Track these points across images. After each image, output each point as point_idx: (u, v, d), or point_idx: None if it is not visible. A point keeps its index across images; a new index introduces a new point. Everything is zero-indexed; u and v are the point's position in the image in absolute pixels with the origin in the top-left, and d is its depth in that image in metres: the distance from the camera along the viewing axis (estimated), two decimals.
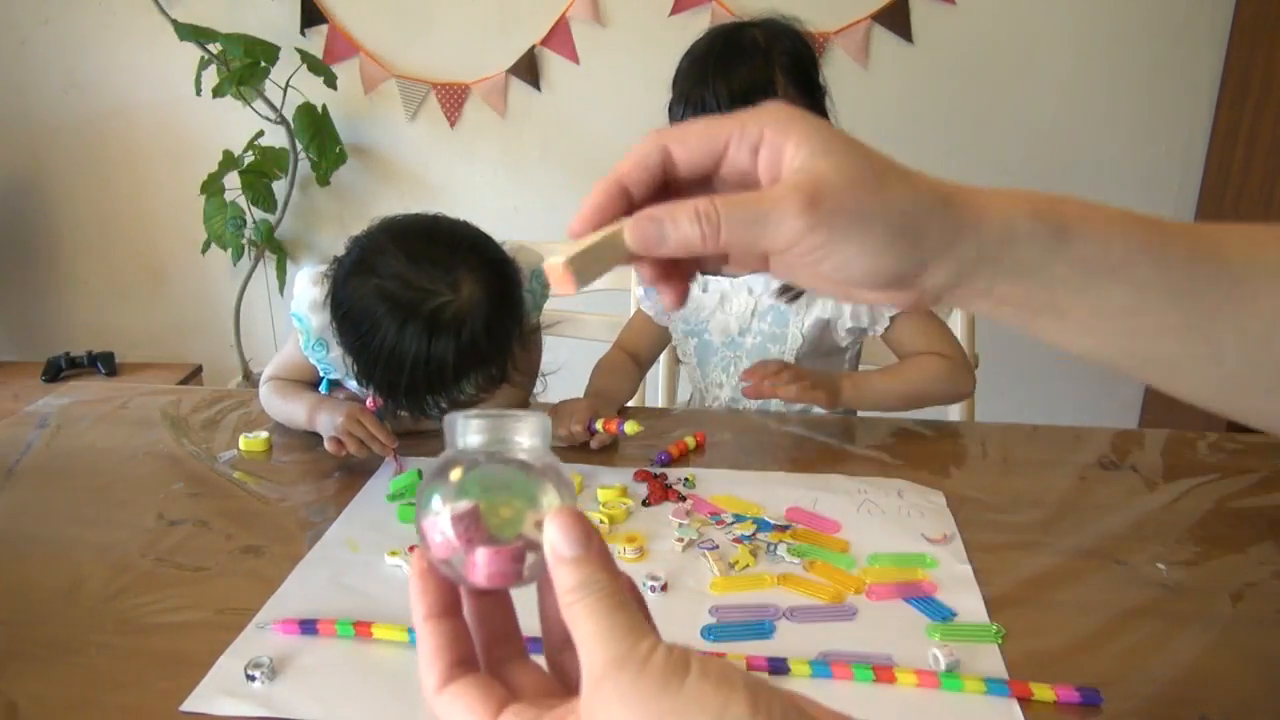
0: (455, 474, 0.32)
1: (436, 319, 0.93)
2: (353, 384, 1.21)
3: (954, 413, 1.45)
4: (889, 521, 0.94)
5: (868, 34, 2.24)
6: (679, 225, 0.35)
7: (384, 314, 0.94)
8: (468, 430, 0.33)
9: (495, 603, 0.34)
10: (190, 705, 0.68)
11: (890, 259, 0.36)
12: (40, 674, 0.72)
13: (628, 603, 0.29)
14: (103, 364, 2.46)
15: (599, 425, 1.09)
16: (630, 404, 1.46)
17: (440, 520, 0.32)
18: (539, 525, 0.31)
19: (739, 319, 1.25)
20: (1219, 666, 0.72)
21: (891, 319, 1.16)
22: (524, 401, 1.22)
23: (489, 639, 0.34)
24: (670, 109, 1.16)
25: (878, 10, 2.22)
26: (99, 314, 2.72)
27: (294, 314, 1.13)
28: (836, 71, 2.23)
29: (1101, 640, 0.75)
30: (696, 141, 0.37)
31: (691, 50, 1.16)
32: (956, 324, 1.44)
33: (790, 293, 1.20)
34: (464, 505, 0.32)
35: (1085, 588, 0.83)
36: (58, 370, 2.43)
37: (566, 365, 1.48)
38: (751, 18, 1.17)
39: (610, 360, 1.33)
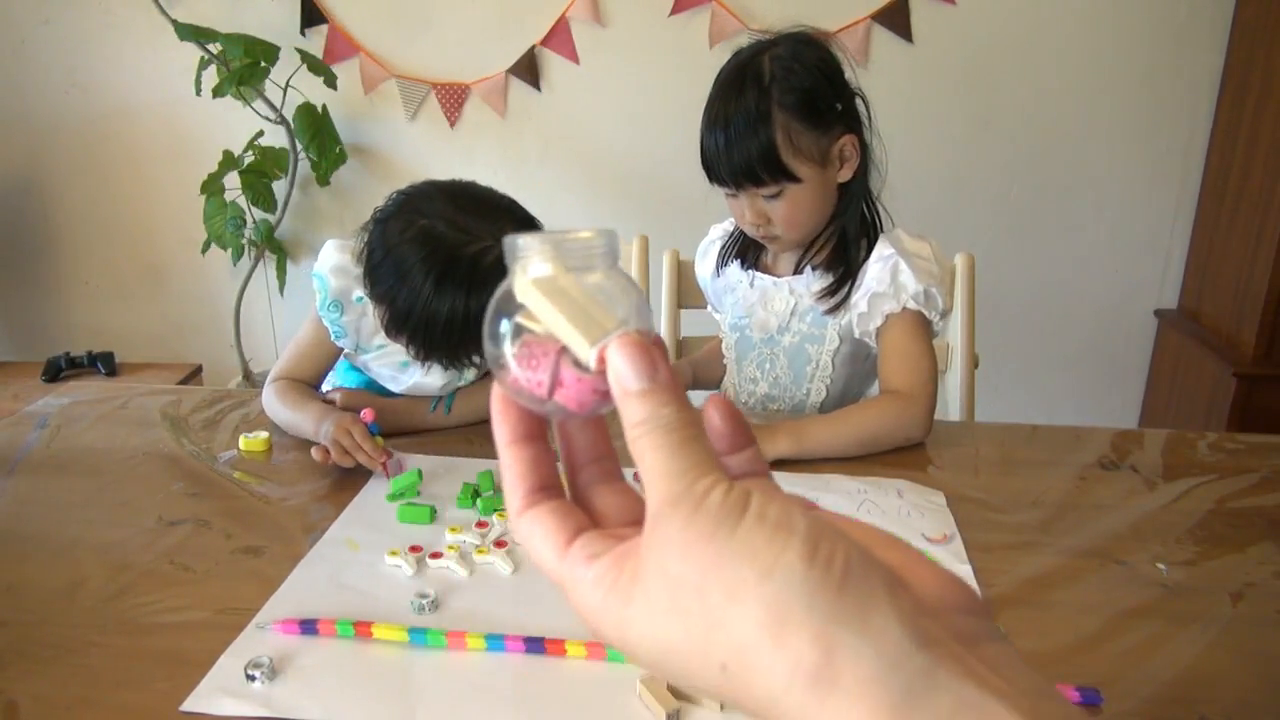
0: (526, 298, 0.30)
1: (478, 264, 0.96)
2: (364, 356, 1.22)
3: (954, 413, 1.45)
4: (889, 521, 0.94)
5: (868, 34, 2.24)
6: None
7: (425, 256, 0.97)
8: (534, 252, 0.31)
9: (583, 423, 0.33)
10: (190, 705, 0.68)
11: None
12: (40, 674, 0.72)
13: (694, 438, 0.27)
14: (103, 364, 2.46)
15: None
16: None
17: (512, 348, 0.30)
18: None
19: (779, 317, 1.25)
20: (1219, 666, 0.72)
21: (884, 319, 1.16)
22: None
23: (576, 460, 0.33)
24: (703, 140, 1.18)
25: (878, 10, 2.23)
26: (99, 314, 2.72)
27: (315, 274, 1.18)
28: None
29: (1101, 640, 0.75)
30: None
31: (715, 80, 1.17)
32: (957, 324, 1.44)
33: (831, 300, 1.20)
34: (536, 331, 0.30)
35: (1085, 588, 0.83)
36: (58, 370, 2.43)
37: None
38: (775, 35, 1.16)
39: (713, 345, 1.41)
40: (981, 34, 2.25)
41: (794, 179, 1.12)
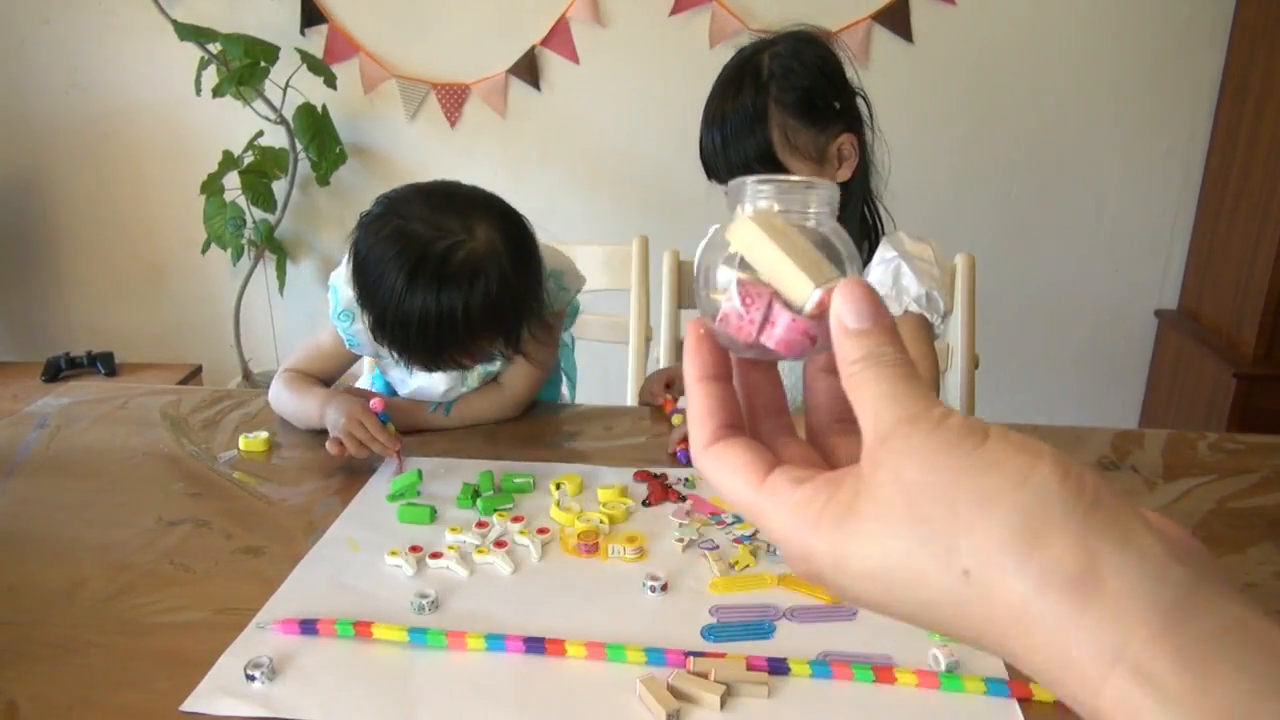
0: (747, 235, 0.30)
1: (446, 265, 0.96)
2: (384, 361, 1.22)
3: None
4: None
5: (868, 34, 2.24)
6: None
7: (397, 254, 0.97)
8: (757, 194, 0.32)
9: (765, 376, 0.33)
10: (190, 705, 0.68)
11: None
12: (40, 674, 0.72)
13: (916, 375, 0.27)
14: (103, 364, 2.46)
15: (663, 399, 1.19)
16: (630, 404, 1.47)
17: (732, 284, 0.30)
18: (828, 297, 0.29)
19: None
20: None
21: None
22: (540, 380, 1.22)
23: (758, 410, 0.33)
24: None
25: (878, 10, 2.23)
26: (99, 314, 2.72)
27: (331, 284, 1.18)
28: None
29: None
30: None
31: (717, 78, 1.18)
32: (957, 324, 1.44)
33: None
34: (751, 270, 0.30)
35: None
36: (58, 370, 2.43)
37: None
38: (776, 34, 1.16)
39: None
40: (981, 34, 2.24)
41: (784, 173, 1.12)
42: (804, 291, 0.29)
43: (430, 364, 1.05)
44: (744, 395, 0.33)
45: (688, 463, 1.06)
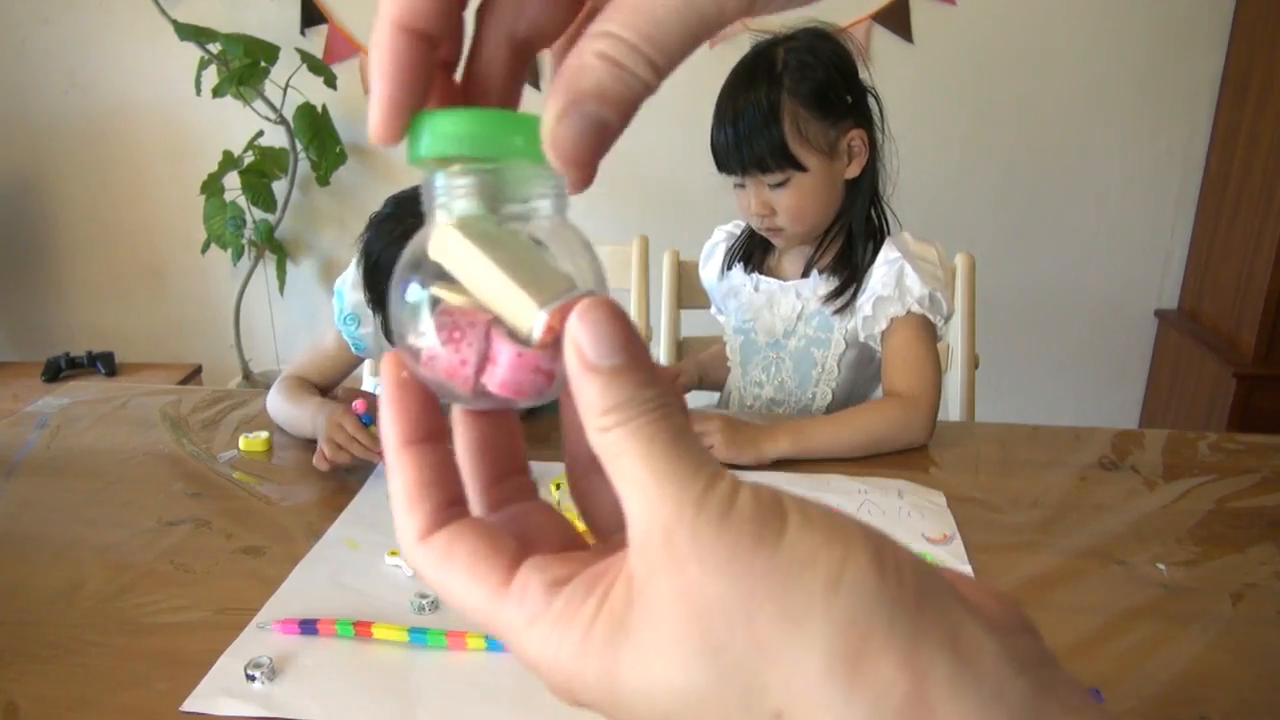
0: (449, 249, 0.23)
1: None
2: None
3: (954, 413, 1.45)
4: (889, 521, 0.94)
5: (868, 34, 2.24)
6: (614, 96, 0.22)
7: None
8: (456, 191, 0.23)
9: (498, 425, 0.26)
10: (190, 705, 0.68)
11: None
12: (40, 674, 0.72)
13: (687, 429, 0.21)
14: (103, 364, 2.46)
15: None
16: None
17: (430, 315, 0.23)
18: (561, 321, 0.22)
19: (784, 321, 1.25)
20: (1219, 666, 0.72)
21: (889, 322, 1.16)
22: None
23: (490, 474, 0.27)
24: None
25: (878, 10, 2.23)
26: (99, 314, 2.72)
27: (336, 289, 1.19)
28: None
29: (1101, 640, 0.75)
30: None
31: (732, 70, 1.19)
32: (957, 327, 1.44)
33: (837, 302, 1.20)
34: (457, 298, 0.23)
35: (1085, 588, 0.83)
36: (58, 370, 2.43)
37: None
38: (793, 30, 1.17)
39: (719, 346, 1.42)
40: (981, 34, 2.25)
41: (799, 167, 1.12)
42: (527, 315, 0.22)
43: None
44: (470, 455, 0.26)
45: None
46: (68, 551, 0.90)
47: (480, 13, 0.25)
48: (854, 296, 1.19)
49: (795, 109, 1.11)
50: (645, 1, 0.21)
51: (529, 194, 0.24)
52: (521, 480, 0.27)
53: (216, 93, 2.20)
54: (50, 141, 2.55)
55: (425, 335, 0.23)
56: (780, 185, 1.14)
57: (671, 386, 0.22)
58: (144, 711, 0.68)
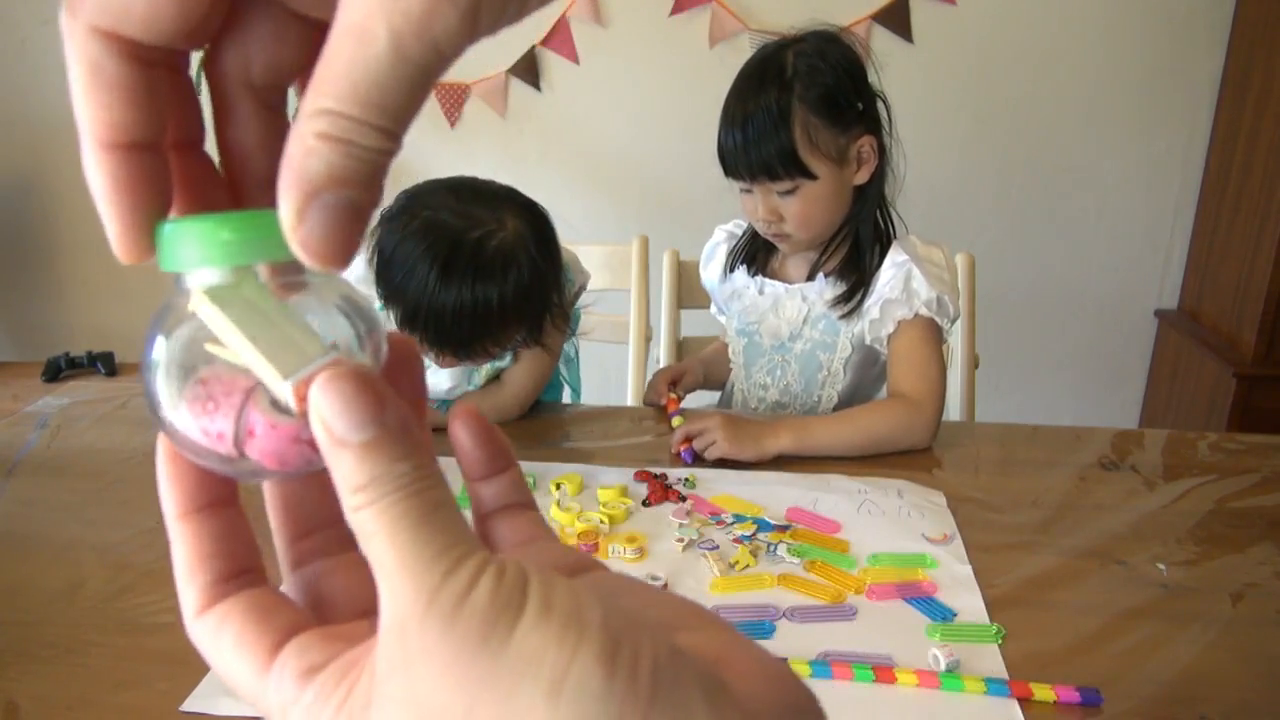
0: (197, 311, 0.22)
1: (480, 255, 0.97)
2: None
3: (954, 413, 1.45)
4: (889, 521, 0.94)
5: (868, 34, 2.24)
6: (353, 175, 0.20)
7: (429, 247, 0.99)
8: (202, 244, 0.22)
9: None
10: (190, 705, 0.68)
11: None
12: (40, 674, 0.72)
13: (443, 504, 0.20)
14: (103, 364, 2.45)
15: (667, 399, 1.21)
16: (630, 404, 1.46)
17: (177, 384, 0.22)
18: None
19: (790, 324, 1.24)
20: (1219, 666, 0.72)
21: (896, 325, 1.15)
22: (547, 372, 1.22)
23: (294, 530, 0.25)
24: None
25: (878, 10, 2.23)
26: (99, 314, 2.72)
27: None
28: None
29: (1101, 640, 0.75)
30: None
31: (739, 73, 1.17)
32: (958, 326, 1.44)
33: (845, 306, 1.19)
34: (216, 361, 0.22)
35: (1085, 588, 0.83)
36: (58, 370, 2.42)
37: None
38: (801, 32, 1.16)
39: (719, 344, 1.42)
40: (981, 34, 2.24)
41: (810, 176, 1.11)
42: (276, 385, 0.21)
43: (461, 354, 1.06)
44: (272, 510, 0.26)
45: (693, 462, 1.06)
46: (68, 551, 0.90)
47: (207, 71, 0.23)
48: (861, 301, 1.18)
49: (805, 116, 1.10)
50: (353, 67, 0.18)
51: (280, 256, 0.21)
52: (331, 534, 0.25)
53: None
54: (50, 141, 2.55)
55: (174, 404, 0.22)
56: (789, 193, 1.13)
57: (431, 458, 0.21)
58: (144, 711, 0.68)
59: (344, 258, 0.20)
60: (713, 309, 1.43)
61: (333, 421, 0.20)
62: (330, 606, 0.24)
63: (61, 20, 0.20)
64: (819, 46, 1.13)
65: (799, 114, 1.10)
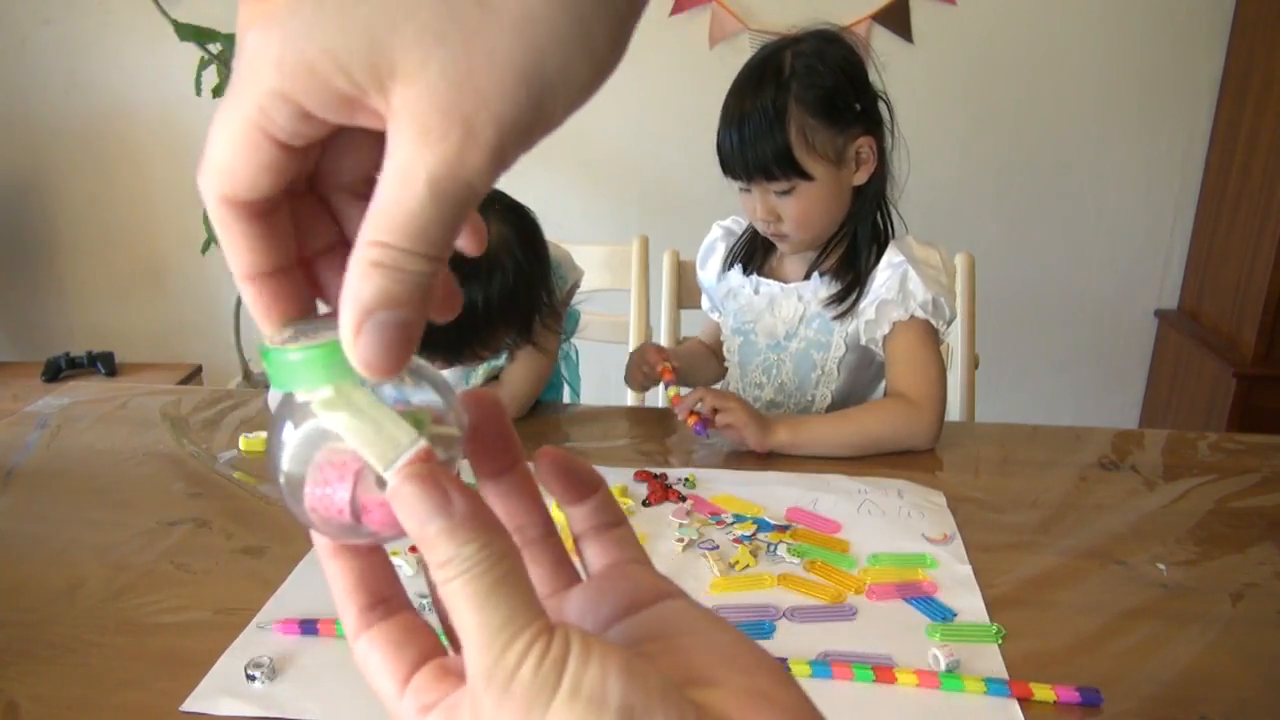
0: (316, 410, 0.25)
1: (464, 260, 0.97)
2: None
3: (954, 413, 1.45)
4: (889, 521, 0.94)
5: (868, 34, 2.24)
6: (405, 297, 0.23)
7: None
8: (306, 367, 0.25)
9: (373, 554, 0.28)
10: (190, 705, 0.68)
11: None
12: (40, 674, 0.72)
13: (505, 579, 0.23)
14: (103, 364, 2.46)
15: (662, 368, 1.20)
16: (630, 404, 1.46)
17: (302, 475, 0.25)
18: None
19: (786, 324, 1.24)
20: (1219, 666, 0.72)
21: (891, 327, 1.15)
22: (545, 372, 1.22)
23: (366, 600, 0.28)
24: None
25: (878, 10, 2.23)
26: (99, 314, 2.72)
27: None
28: None
29: (1101, 640, 0.75)
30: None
31: (739, 73, 1.17)
32: (958, 327, 1.44)
33: (839, 306, 1.19)
34: (333, 446, 0.25)
35: (1085, 588, 0.83)
36: (58, 370, 2.43)
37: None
38: (800, 32, 1.16)
39: (691, 342, 1.44)
40: (981, 34, 2.24)
41: (806, 176, 1.11)
42: (384, 473, 0.24)
43: (451, 358, 1.06)
44: (348, 587, 0.28)
45: (703, 433, 1.08)
46: (68, 551, 0.90)
47: (316, 187, 0.27)
48: (856, 301, 1.18)
49: (802, 116, 1.10)
50: (398, 203, 0.22)
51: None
52: (397, 600, 0.28)
53: (217, 93, 2.20)
54: (50, 141, 2.55)
55: (298, 479, 0.26)
56: (786, 193, 1.13)
57: (501, 535, 0.24)
58: (144, 711, 0.68)
59: (394, 369, 0.23)
60: (705, 304, 1.43)
61: (406, 521, 0.23)
62: (428, 670, 0.27)
63: (199, 183, 0.25)
64: (818, 47, 1.12)
65: (795, 115, 1.09)
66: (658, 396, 1.56)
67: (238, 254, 0.25)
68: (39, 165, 2.58)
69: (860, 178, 1.16)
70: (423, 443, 0.24)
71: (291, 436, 0.26)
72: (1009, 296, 2.38)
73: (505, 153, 0.22)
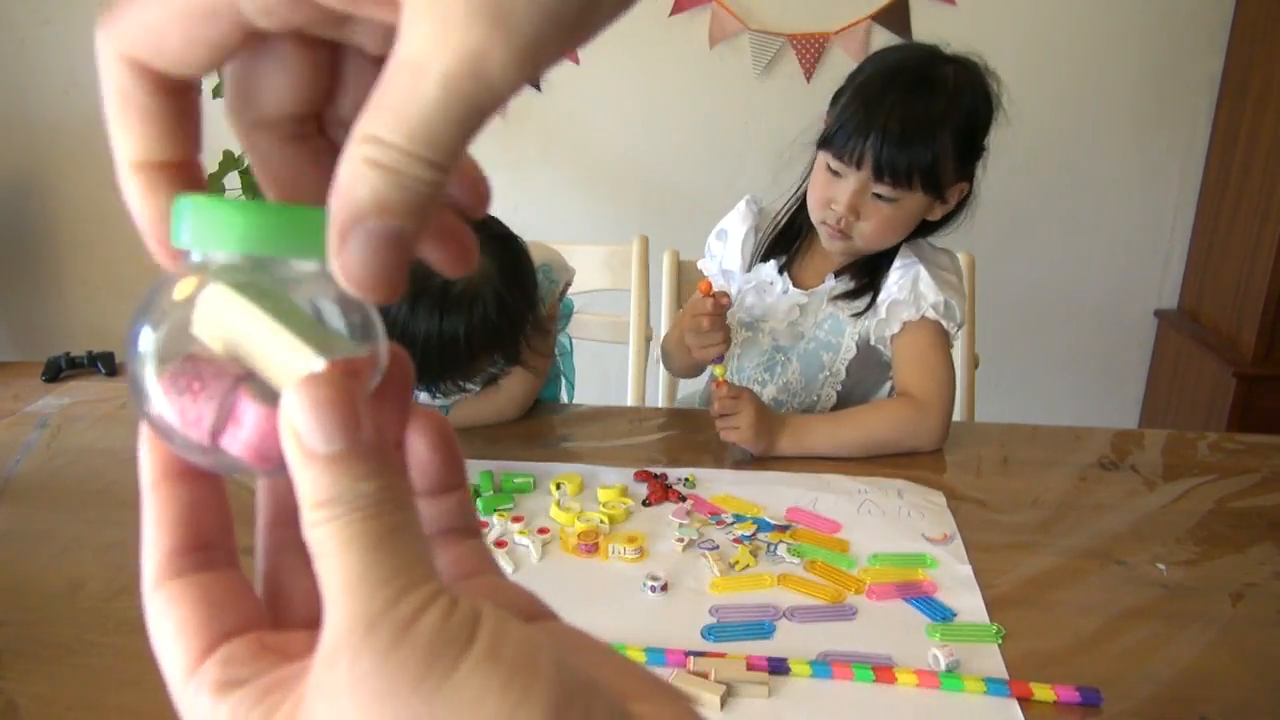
0: (186, 294, 0.21)
1: (447, 293, 0.96)
2: None
3: (954, 413, 1.45)
4: (889, 521, 0.94)
5: (868, 34, 2.24)
6: (402, 205, 0.19)
7: None
8: (207, 228, 0.21)
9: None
10: None
11: None
12: (41, 674, 0.72)
13: (403, 527, 0.19)
14: (103, 364, 2.44)
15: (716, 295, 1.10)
16: (630, 404, 1.46)
17: (162, 366, 0.21)
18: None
19: (803, 327, 1.23)
20: (1219, 666, 0.72)
21: (901, 326, 1.15)
22: (532, 391, 1.22)
23: (272, 514, 0.24)
24: (834, 111, 1.12)
25: (878, 10, 2.22)
26: (99, 314, 2.72)
27: None
28: (837, 71, 2.22)
29: (1101, 640, 0.75)
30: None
31: (864, 71, 1.12)
32: None
33: (854, 304, 1.18)
34: (206, 344, 0.21)
35: (1085, 588, 0.83)
36: (58, 370, 2.42)
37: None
38: (957, 53, 1.15)
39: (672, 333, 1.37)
40: (981, 34, 2.24)
41: (938, 195, 1.10)
42: (301, 366, 0.20)
43: (432, 386, 1.05)
44: (266, 490, 0.24)
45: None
46: (68, 551, 0.90)
47: (227, 106, 0.24)
48: (873, 301, 1.17)
49: (947, 143, 1.07)
50: (406, 97, 0.18)
51: (286, 240, 0.21)
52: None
53: (217, 93, 2.15)
54: (50, 141, 2.55)
55: (156, 383, 0.21)
56: (886, 199, 1.09)
57: (402, 480, 0.20)
58: (144, 711, 0.68)
59: (384, 287, 0.19)
60: (704, 264, 1.34)
61: (303, 430, 0.19)
62: (286, 606, 0.23)
63: (96, 38, 0.21)
64: (979, 77, 1.12)
65: (947, 136, 1.07)
66: (658, 394, 1.56)
67: (131, 134, 0.21)
68: (39, 165, 2.58)
69: (935, 214, 1.14)
70: (340, 357, 0.20)
71: (165, 312, 0.21)
72: (1009, 296, 2.38)
73: (539, 52, 0.18)
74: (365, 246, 0.19)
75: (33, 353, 2.65)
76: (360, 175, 0.19)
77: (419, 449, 0.24)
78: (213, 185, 2.31)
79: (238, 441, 0.21)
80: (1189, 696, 0.69)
